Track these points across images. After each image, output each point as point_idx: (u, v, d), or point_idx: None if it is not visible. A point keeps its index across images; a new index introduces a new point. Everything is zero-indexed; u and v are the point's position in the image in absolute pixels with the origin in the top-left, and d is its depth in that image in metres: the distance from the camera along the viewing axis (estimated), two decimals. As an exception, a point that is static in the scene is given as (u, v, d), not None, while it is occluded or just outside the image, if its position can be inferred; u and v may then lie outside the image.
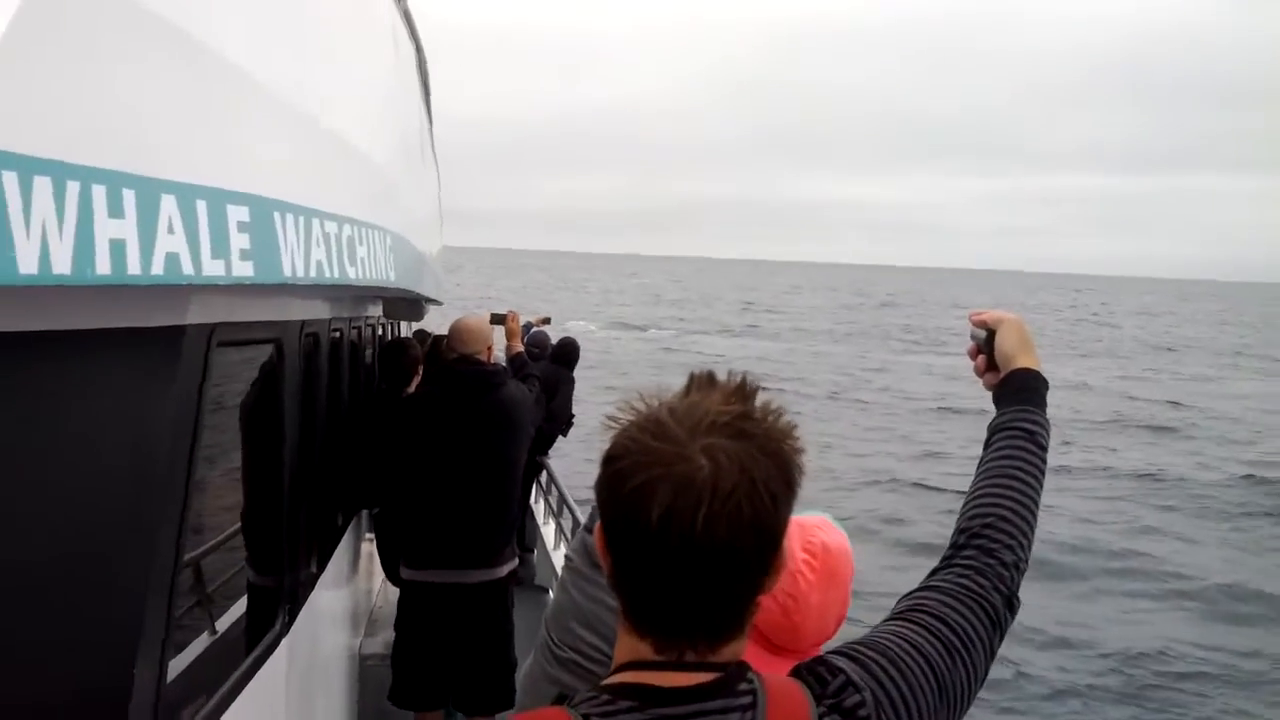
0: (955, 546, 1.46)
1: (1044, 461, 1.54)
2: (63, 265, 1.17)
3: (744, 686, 1.16)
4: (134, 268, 1.32)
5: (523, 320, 7.13)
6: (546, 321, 10.09)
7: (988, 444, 1.57)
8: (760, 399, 1.17)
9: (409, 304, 6.26)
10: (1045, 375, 1.64)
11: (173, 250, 1.43)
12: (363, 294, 4.62)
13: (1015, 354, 1.63)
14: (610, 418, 1.19)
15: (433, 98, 8.26)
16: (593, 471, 1.21)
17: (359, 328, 5.11)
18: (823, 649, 1.46)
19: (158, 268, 1.38)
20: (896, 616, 1.38)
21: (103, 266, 1.25)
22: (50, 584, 1.53)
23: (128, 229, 1.31)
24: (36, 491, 1.48)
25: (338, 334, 4.11)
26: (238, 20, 1.96)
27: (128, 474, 1.69)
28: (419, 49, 6.38)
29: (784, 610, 2.04)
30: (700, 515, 1.08)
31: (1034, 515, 1.48)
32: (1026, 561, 1.45)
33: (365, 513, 5.56)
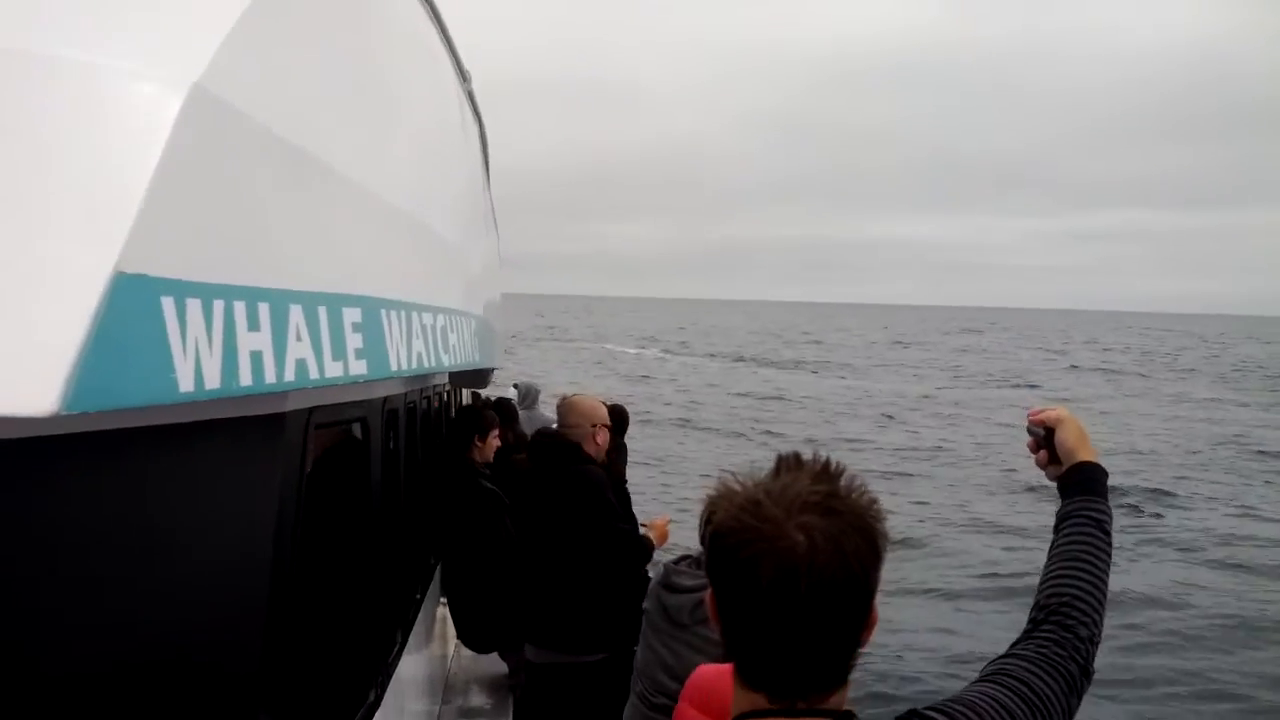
0: (1035, 622, 1.62)
1: (1110, 546, 1.71)
2: (213, 380, 1.27)
3: None
4: (270, 376, 1.43)
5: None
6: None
7: (1058, 529, 1.74)
8: (844, 479, 1.33)
9: (476, 374, 6.40)
10: (1104, 466, 1.81)
11: (301, 357, 1.54)
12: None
13: (1076, 448, 1.81)
14: (710, 497, 1.37)
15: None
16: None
17: (429, 397, 5.25)
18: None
19: (289, 374, 1.49)
20: (983, 679, 1.52)
21: (245, 378, 1.35)
22: (170, 662, 1.61)
23: (263, 340, 1.42)
24: (163, 568, 1.58)
25: (412, 405, 4.23)
26: (333, 125, 2.08)
27: (240, 550, 1.79)
28: (481, 127, 6.59)
29: None
30: (801, 584, 1.24)
31: (1105, 594, 1.65)
32: (1099, 636, 1.61)
33: (437, 579, 5.65)
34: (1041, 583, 1.67)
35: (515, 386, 10.36)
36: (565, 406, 4.75)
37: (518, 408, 8.81)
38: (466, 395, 8.75)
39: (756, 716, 1.31)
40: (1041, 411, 1.90)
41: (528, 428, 7.65)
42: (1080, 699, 1.54)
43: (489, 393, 9.48)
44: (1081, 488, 1.76)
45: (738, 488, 1.34)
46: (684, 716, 2.35)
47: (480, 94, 6.14)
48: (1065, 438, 1.82)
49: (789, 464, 1.35)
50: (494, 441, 5.66)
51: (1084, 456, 1.80)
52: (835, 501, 1.29)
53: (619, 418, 9.43)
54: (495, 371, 8.35)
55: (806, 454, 1.38)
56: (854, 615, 1.29)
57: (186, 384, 1.21)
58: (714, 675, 2.34)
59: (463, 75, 5.25)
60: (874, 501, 1.33)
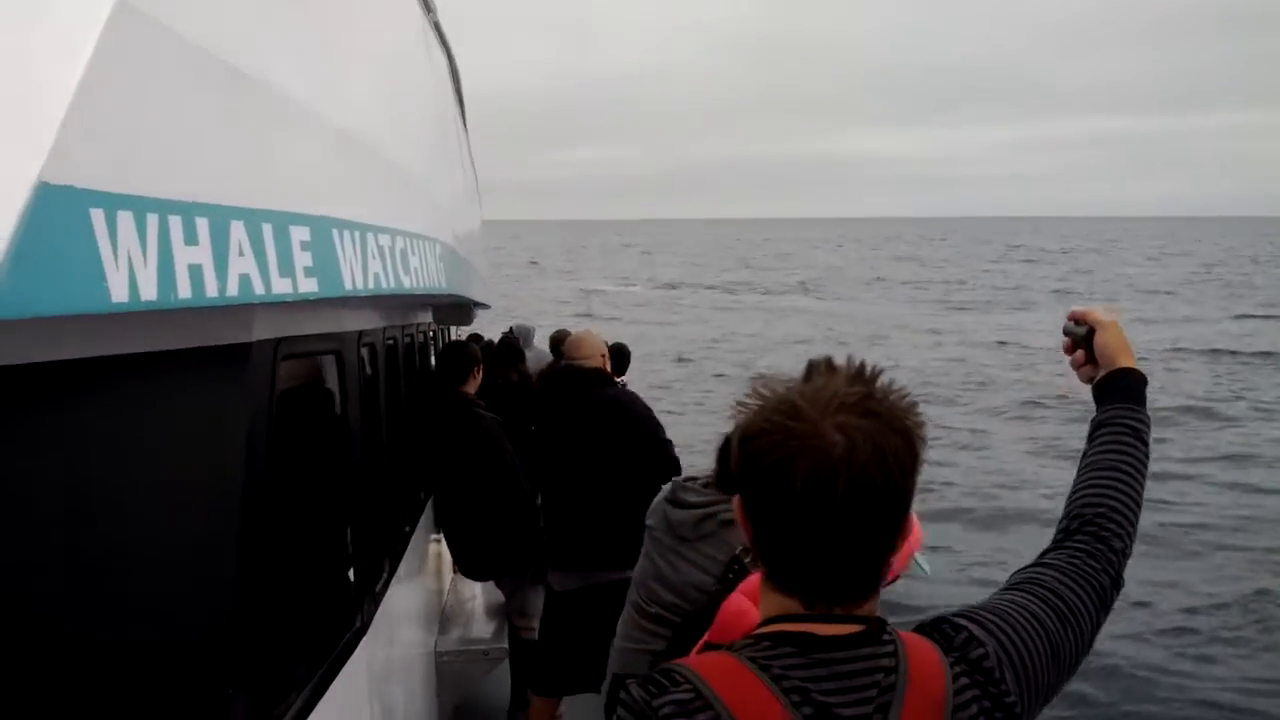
0: (1067, 531, 1.59)
1: (1147, 456, 1.66)
2: (149, 292, 1.27)
3: (886, 638, 1.29)
4: (211, 290, 1.42)
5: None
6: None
7: (1093, 437, 1.69)
8: (881, 380, 1.30)
9: (458, 309, 6.40)
10: (1144, 373, 1.76)
11: (244, 271, 1.54)
12: (414, 302, 4.75)
13: (1117, 353, 1.74)
14: (739, 403, 1.32)
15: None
16: None
17: (411, 335, 5.26)
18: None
19: (232, 289, 1.49)
20: (1012, 587, 1.50)
21: (184, 290, 1.35)
22: (141, 592, 1.63)
23: (203, 255, 1.42)
24: (126, 502, 1.59)
25: (392, 341, 4.24)
26: (282, 48, 2.06)
27: (208, 483, 1.81)
28: (450, 56, 6.50)
29: None
30: (839, 485, 1.21)
31: (1139, 506, 1.61)
32: (1131, 549, 1.58)
33: (430, 515, 5.71)
34: (1074, 491, 1.63)
35: (510, 330, 10.38)
36: (575, 341, 4.95)
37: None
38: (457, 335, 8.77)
39: (789, 620, 1.29)
40: (1086, 311, 1.82)
41: (533, 367, 7.71)
42: (1108, 611, 1.52)
43: (490, 335, 9.53)
44: (1121, 394, 1.70)
45: (767, 392, 1.30)
46: (736, 605, 2.37)
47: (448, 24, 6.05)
48: (1107, 340, 1.76)
49: (821, 368, 1.32)
50: (478, 376, 5.69)
51: (1125, 362, 1.73)
52: (873, 403, 1.25)
53: (620, 356, 9.51)
54: (487, 309, 8.35)
55: (839, 358, 1.34)
56: (891, 520, 1.26)
57: (120, 294, 1.20)
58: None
59: (427, 5, 5.16)
60: (914, 405, 1.30)
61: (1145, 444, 1.66)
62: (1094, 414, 1.72)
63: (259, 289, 1.58)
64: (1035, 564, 1.55)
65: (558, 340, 9.39)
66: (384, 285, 2.48)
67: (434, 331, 7.13)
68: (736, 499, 1.34)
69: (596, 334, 5.12)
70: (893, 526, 1.27)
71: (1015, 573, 1.54)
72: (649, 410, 4.81)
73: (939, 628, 1.36)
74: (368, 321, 3.43)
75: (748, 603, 2.40)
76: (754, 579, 2.30)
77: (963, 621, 1.37)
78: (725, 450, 2.86)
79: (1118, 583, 1.54)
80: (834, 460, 1.21)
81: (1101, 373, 1.75)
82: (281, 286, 1.68)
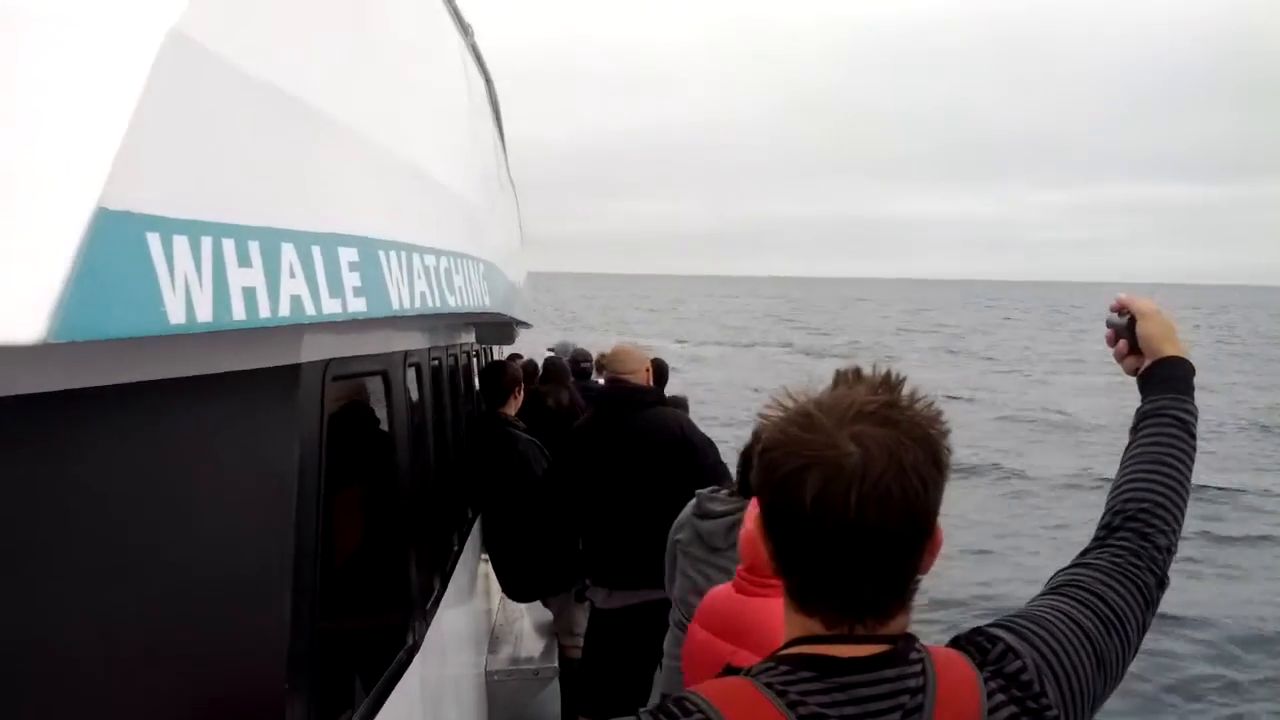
0: (1109, 528, 1.51)
1: (1194, 449, 1.58)
2: (204, 313, 1.29)
3: (914, 656, 1.23)
4: (264, 311, 1.45)
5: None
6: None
7: (1137, 429, 1.61)
8: (906, 388, 1.24)
9: (500, 328, 6.45)
10: (1192, 362, 1.67)
11: (295, 292, 1.56)
12: (458, 322, 4.79)
13: (1162, 342, 1.67)
14: (761, 414, 1.28)
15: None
16: None
17: (455, 354, 5.30)
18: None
19: (284, 309, 1.51)
20: (1052, 591, 1.44)
21: (238, 312, 1.37)
22: (199, 614, 1.65)
23: (256, 277, 1.44)
24: (180, 524, 1.61)
25: (437, 361, 4.28)
26: (326, 70, 2.10)
27: (262, 503, 1.83)
28: (488, 80, 6.57)
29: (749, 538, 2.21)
30: (852, 499, 1.15)
31: (1185, 502, 1.53)
32: (1177, 546, 1.50)
33: (478, 535, 5.74)
34: (1117, 484, 1.55)
35: (551, 351, 10.41)
36: (619, 354, 4.92)
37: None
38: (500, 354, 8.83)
39: (810, 642, 1.23)
40: (1129, 299, 1.74)
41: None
42: (1155, 612, 1.45)
43: (531, 355, 9.57)
44: (1167, 384, 1.62)
45: (789, 402, 1.25)
46: (694, 638, 2.38)
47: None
48: (1150, 329, 1.68)
49: (848, 377, 1.26)
50: (519, 396, 5.73)
51: (1170, 351, 1.66)
52: (894, 411, 1.19)
53: (660, 371, 9.52)
54: (528, 329, 8.40)
55: (867, 368, 1.28)
56: (912, 534, 1.19)
57: (177, 316, 1.22)
58: (723, 597, 2.36)
59: (464, 29, 5.23)
60: (939, 413, 1.23)
61: (1192, 436, 1.58)
62: (1139, 405, 1.65)
63: (310, 310, 1.60)
64: (1076, 564, 1.48)
65: (579, 359, 9.40)
66: (430, 304, 2.51)
67: (476, 351, 7.18)
68: (755, 515, 1.29)
69: (638, 346, 5.10)
70: (915, 541, 1.21)
71: (1056, 574, 1.48)
72: (703, 435, 4.76)
73: (974, 640, 1.30)
74: (413, 342, 3.47)
75: (704, 633, 2.38)
76: (729, 600, 2.25)
77: (999, 632, 1.31)
78: (747, 457, 2.86)
79: (1163, 581, 1.47)
80: (846, 472, 1.15)
81: (1147, 362, 1.68)
82: (331, 307, 1.70)
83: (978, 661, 1.26)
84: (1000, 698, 1.23)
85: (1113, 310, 1.76)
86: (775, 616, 2.17)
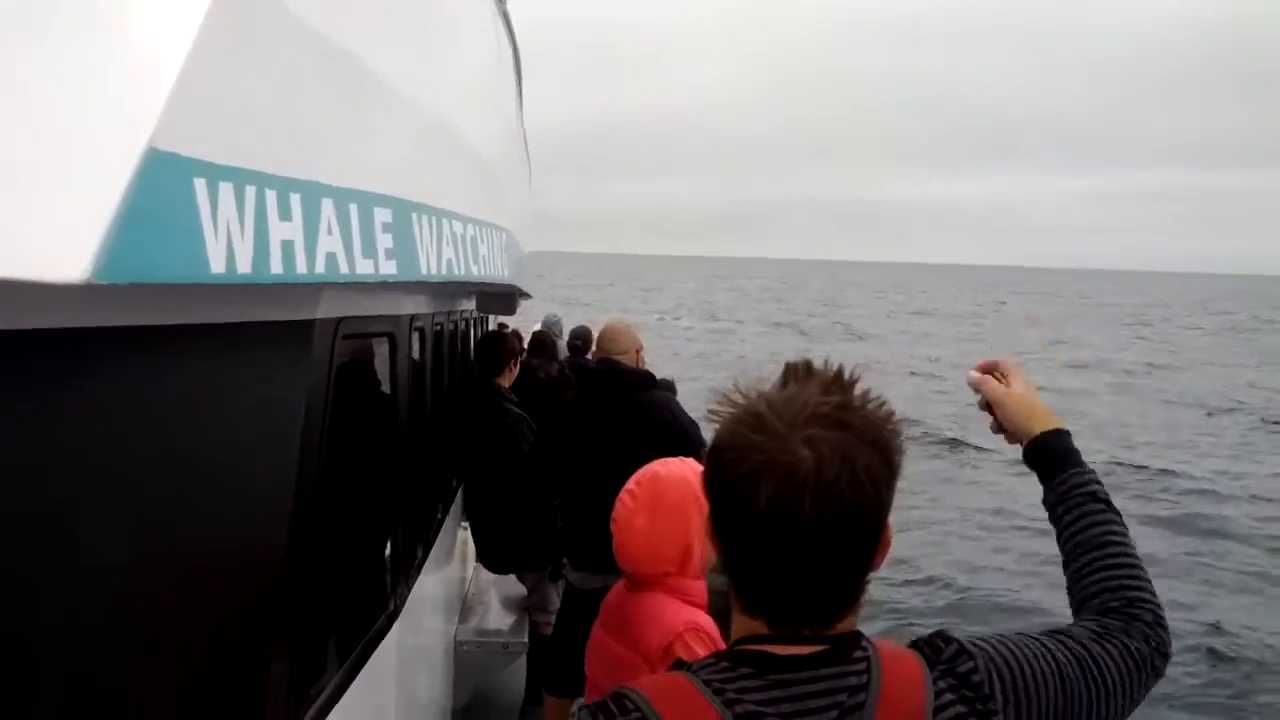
0: (1097, 616, 1.46)
1: (1119, 514, 1.55)
2: (245, 265, 1.26)
3: (858, 655, 1.21)
4: (301, 267, 1.41)
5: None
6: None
7: (1058, 519, 1.57)
8: (859, 388, 1.22)
9: (504, 298, 6.41)
10: (1062, 425, 1.62)
11: (331, 250, 1.53)
12: (463, 289, 4.75)
13: (1027, 421, 1.62)
14: (711, 411, 1.25)
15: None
16: None
17: (456, 321, 5.26)
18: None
19: (319, 267, 1.48)
20: (1037, 634, 1.39)
21: (276, 266, 1.34)
22: (195, 561, 1.63)
23: (295, 231, 1.41)
24: (188, 468, 1.59)
25: (439, 327, 4.25)
26: (374, 26, 2.06)
27: (266, 455, 1.80)
28: (515, 50, 6.50)
29: (614, 534, 2.24)
30: (806, 504, 1.13)
31: (1144, 570, 1.50)
32: (1163, 614, 1.46)
33: (460, 503, 5.72)
34: (1076, 584, 1.50)
35: (544, 323, 10.38)
36: (610, 333, 4.82)
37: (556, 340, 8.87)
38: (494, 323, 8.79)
39: (755, 643, 1.22)
40: (981, 380, 1.68)
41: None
42: (1155, 677, 1.41)
43: (518, 324, 9.54)
44: (1053, 462, 1.58)
45: (739, 399, 1.22)
46: (594, 638, 2.34)
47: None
48: (1010, 414, 1.64)
49: (798, 372, 1.23)
50: (515, 368, 5.71)
51: (1040, 428, 1.61)
52: (847, 413, 1.17)
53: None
54: (529, 299, 8.36)
55: (817, 361, 1.25)
56: (864, 538, 1.19)
57: (218, 266, 1.19)
58: (616, 600, 2.33)
59: None
60: (891, 414, 1.22)
61: (1108, 503, 1.55)
62: (1041, 492, 1.60)
63: (344, 268, 1.57)
64: (1063, 628, 1.44)
65: (577, 336, 9.39)
66: (455, 272, 2.48)
67: (475, 319, 7.14)
68: (705, 512, 1.26)
69: (630, 326, 4.98)
70: (866, 545, 1.20)
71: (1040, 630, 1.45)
72: (690, 418, 4.72)
73: (931, 641, 1.29)
74: (419, 305, 3.44)
75: (599, 630, 2.35)
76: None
77: (956, 635, 1.30)
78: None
79: (1161, 651, 1.42)
80: (800, 478, 1.13)
81: (1023, 441, 1.63)
82: (364, 268, 1.67)
83: (930, 660, 1.25)
84: (949, 697, 1.21)
85: (970, 385, 1.71)
86: (655, 613, 2.14)
